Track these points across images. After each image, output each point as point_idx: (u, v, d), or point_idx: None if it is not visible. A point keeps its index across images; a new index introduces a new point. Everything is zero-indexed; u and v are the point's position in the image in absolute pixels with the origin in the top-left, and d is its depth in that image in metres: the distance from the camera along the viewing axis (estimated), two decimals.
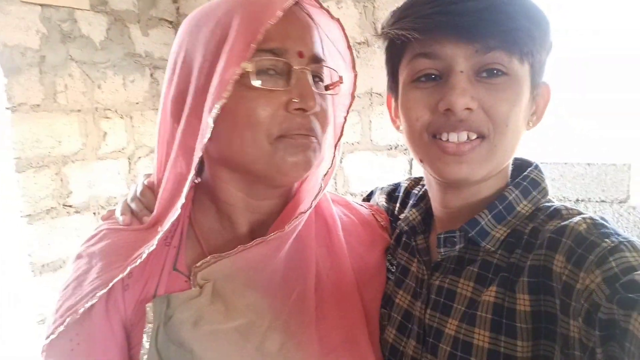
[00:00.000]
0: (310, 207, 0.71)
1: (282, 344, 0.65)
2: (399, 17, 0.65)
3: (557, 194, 1.90)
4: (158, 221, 0.69)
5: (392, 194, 0.92)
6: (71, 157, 2.43)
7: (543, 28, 0.62)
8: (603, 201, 1.84)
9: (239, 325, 0.65)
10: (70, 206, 2.42)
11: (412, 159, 2.28)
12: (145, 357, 0.62)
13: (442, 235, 0.69)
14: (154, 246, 0.64)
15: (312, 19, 0.69)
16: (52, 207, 2.32)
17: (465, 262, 0.68)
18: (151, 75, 2.76)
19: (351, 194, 2.42)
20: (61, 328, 0.62)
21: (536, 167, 0.71)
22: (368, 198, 1.00)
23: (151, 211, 0.71)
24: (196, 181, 0.78)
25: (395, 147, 2.28)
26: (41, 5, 2.23)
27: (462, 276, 0.67)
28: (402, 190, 0.89)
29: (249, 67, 0.61)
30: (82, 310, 0.62)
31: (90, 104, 2.45)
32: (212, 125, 0.62)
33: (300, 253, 0.72)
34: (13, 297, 2.32)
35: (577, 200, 1.90)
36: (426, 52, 0.63)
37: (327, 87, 0.72)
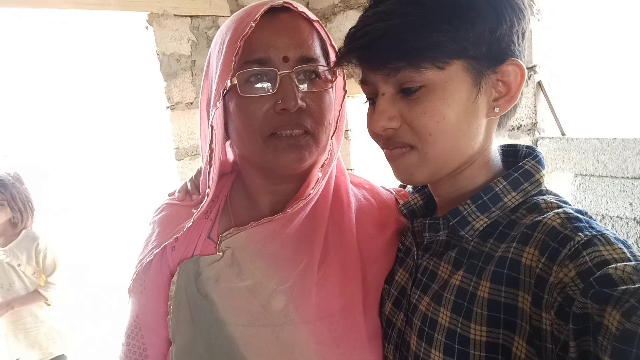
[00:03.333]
0: (309, 195, 0.80)
1: (285, 304, 0.76)
2: (338, 52, 0.70)
3: None
4: (200, 202, 0.85)
5: None
6: None
7: (468, 22, 0.60)
8: None
9: (249, 285, 0.77)
10: None
11: None
12: (172, 302, 0.79)
13: (427, 221, 0.74)
14: (191, 223, 0.81)
15: (298, 24, 0.75)
16: None
17: (450, 246, 0.71)
18: None
19: None
20: (135, 275, 0.84)
21: (535, 157, 0.69)
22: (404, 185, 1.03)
23: (200, 191, 0.88)
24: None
25: None
26: (190, 16, 2.60)
27: (443, 259, 0.71)
28: None
29: (235, 80, 0.72)
30: (145, 263, 0.82)
31: None
32: (211, 129, 0.75)
33: (312, 230, 0.81)
34: None
35: None
36: (362, 79, 0.69)
37: (327, 82, 0.78)
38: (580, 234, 0.55)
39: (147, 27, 2.52)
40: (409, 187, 0.95)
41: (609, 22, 2.00)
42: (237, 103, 0.74)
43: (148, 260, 0.81)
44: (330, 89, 0.78)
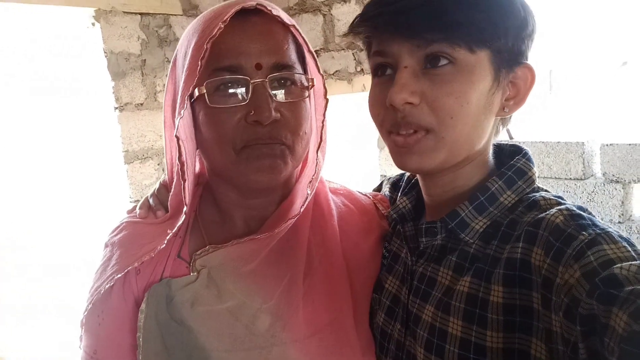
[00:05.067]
0: (299, 213, 0.75)
1: (270, 325, 0.71)
2: (357, 18, 0.67)
3: None
4: (170, 219, 0.77)
5: (396, 183, 0.92)
6: None
7: (504, 12, 0.61)
8: None
9: (230, 306, 0.71)
10: None
11: None
12: (140, 333, 0.70)
13: (423, 226, 0.71)
14: (164, 245, 0.73)
15: (272, 27, 0.70)
16: None
17: (447, 250, 0.69)
18: None
19: None
20: (90, 305, 0.73)
21: (524, 154, 0.69)
22: (379, 188, 1.01)
23: (165, 207, 0.80)
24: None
25: None
26: (140, 14, 2.51)
27: (442, 265, 0.68)
28: (404, 179, 0.89)
29: (203, 89, 0.66)
30: (103, 291, 0.72)
31: None
32: (176, 140, 0.68)
33: (294, 242, 0.77)
34: None
35: None
36: (379, 50, 0.65)
37: (304, 90, 0.73)
38: (584, 232, 0.53)
39: (93, 24, 2.41)
40: (385, 191, 0.93)
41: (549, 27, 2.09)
42: (206, 113, 0.68)
43: (107, 286, 0.71)
44: (307, 98, 0.73)
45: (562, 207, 0.59)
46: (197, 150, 0.77)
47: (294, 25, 0.72)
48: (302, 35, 0.73)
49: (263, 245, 0.74)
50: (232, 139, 0.67)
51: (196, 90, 0.66)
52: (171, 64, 0.75)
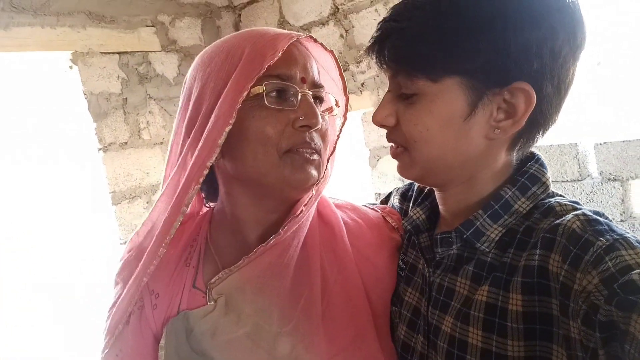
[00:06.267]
0: (302, 212, 0.75)
1: (292, 347, 0.69)
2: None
3: None
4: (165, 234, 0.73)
5: (405, 193, 0.92)
6: (159, 186, 2.64)
7: (470, 34, 0.57)
8: None
9: (249, 331, 0.70)
10: None
11: None
12: None
13: (438, 236, 0.71)
14: (163, 248, 0.70)
15: (310, 52, 0.77)
16: None
17: (464, 260, 0.68)
18: None
19: None
20: (108, 344, 0.73)
21: (537, 160, 0.68)
22: (387, 199, 1.00)
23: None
24: (208, 206, 0.87)
25: None
26: (118, 53, 2.49)
27: (460, 275, 0.67)
28: (415, 189, 0.89)
29: (260, 89, 0.68)
30: (117, 331, 0.72)
31: (170, 135, 2.66)
32: (220, 146, 0.68)
33: (306, 260, 0.76)
34: None
35: None
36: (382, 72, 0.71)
37: (325, 110, 0.79)
38: (601, 238, 0.53)
39: (71, 67, 2.38)
40: (394, 202, 0.93)
41: None
42: (258, 114, 0.69)
43: (123, 322, 0.72)
44: (333, 117, 0.80)
45: (579, 212, 0.58)
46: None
47: (332, 51, 0.80)
48: (337, 60, 0.82)
49: (275, 255, 0.73)
50: (277, 141, 0.70)
51: (244, 92, 0.66)
52: (189, 84, 0.75)
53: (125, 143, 2.53)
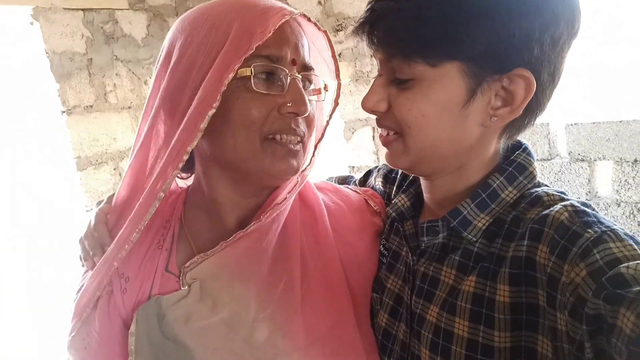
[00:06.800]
0: (285, 199, 0.73)
1: (269, 334, 0.68)
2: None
3: (613, 154, 1.68)
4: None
5: (388, 175, 0.90)
6: (127, 152, 2.57)
7: (470, 19, 0.56)
8: None
9: (225, 317, 0.68)
10: None
11: None
12: (133, 357, 0.66)
13: (424, 225, 0.69)
14: (137, 233, 0.67)
15: (302, 28, 0.73)
16: None
17: (449, 249, 0.68)
18: None
19: None
20: (75, 328, 0.70)
21: (524, 149, 0.67)
22: (365, 178, 0.98)
23: (102, 245, 0.73)
24: (184, 185, 0.83)
25: None
26: (83, 10, 2.35)
27: (445, 264, 0.67)
28: (399, 172, 0.87)
29: (247, 71, 0.64)
30: (84, 315, 0.70)
31: (139, 100, 2.56)
32: (202, 130, 0.63)
33: (286, 245, 0.74)
34: None
35: (636, 160, 1.66)
36: (372, 54, 0.68)
37: (313, 92, 0.76)
38: (589, 230, 0.53)
39: (32, 23, 2.24)
40: (377, 184, 0.91)
41: None
42: (239, 97, 0.65)
43: (91, 306, 0.69)
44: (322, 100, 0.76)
45: (567, 202, 0.58)
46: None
47: (325, 32, 0.76)
48: (331, 42, 0.78)
49: (254, 240, 0.70)
50: (260, 126, 0.67)
51: (230, 75, 0.62)
52: (168, 49, 0.69)
53: (91, 106, 2.43)
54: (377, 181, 0.92)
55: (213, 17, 0.67)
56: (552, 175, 1.89)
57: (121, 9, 2.48)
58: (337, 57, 0.82)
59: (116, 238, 0.69)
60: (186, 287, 0.69)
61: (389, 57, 0.62)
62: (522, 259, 0.58)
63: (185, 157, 0.64)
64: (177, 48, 0.68)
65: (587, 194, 1.84)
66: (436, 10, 0.56)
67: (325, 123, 0.81)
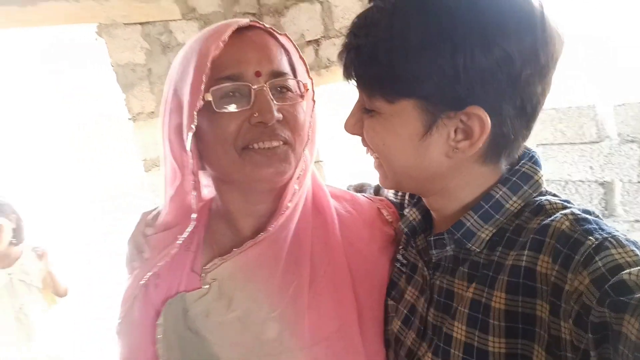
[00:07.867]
0: (288, 209, 0.78)
1: (279, 332, 0.75)
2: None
3: None
4: (177, 225, 0.80)
5: None
6: None
7: (424, 59, 0.55)
8: None
9: (239, 315, 0.76)
10: None
11: None
12: (160, 344, 0.77)
13: (432, 238, 0.70)
14: (176, 249, 0.79)
15: (274, 38, 0.76)
16: None
17: (459, 261, 0.68)
18: None
19: None
20: (121, 315, 0.82)
21: (531, 158, 0.67)
22: (379, 187, 1.00)
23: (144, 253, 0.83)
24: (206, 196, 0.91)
25: None
26: (140, 23, 2.54)
27: (456, 276, 0.68)
28: None
29: (209, 96, 0.70)
30: (127, 305, 0.81)
31: None
32: (190, 154, 0.72)
33: (297, 250, 0.79)
34: None
35: None
36: None
37: (298, 94, 0.78)
38: (590, 237, 0.53)
39: (96, 39, 2.45)
40: (389, 194, 0.93)
41: None
42: (211, 119, 0.72)
43: (131, 299, 0.80)
44: (303, 102, 0.78)
45: (567, 211, 0.58)
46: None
47: (285, 35, 0.78)
48: (294, 43, 0.79)
49: (265, 247, 0.77)
50: (234, 140, 0.71)
51: (199, 101, 0.69)
52: (167, 84, 0.77)
53: (152, 112, 2.63)
54: (389, 191, 0.94)
55: (185, 50, 0.75)
56: (601, 158, 1.86)
57: (174, 20, 2.66)
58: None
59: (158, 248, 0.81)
60: (207, 286, 0.77)
61: (357, 86, 0.64)
62: (521, 269, 0.58)
63: (191, 179, 0.75)
64: (172, 83, 0.76)
65: (638, 175, 1.80)
66: (385, 49, 0.57)
67: (308, 124, 0.80)
